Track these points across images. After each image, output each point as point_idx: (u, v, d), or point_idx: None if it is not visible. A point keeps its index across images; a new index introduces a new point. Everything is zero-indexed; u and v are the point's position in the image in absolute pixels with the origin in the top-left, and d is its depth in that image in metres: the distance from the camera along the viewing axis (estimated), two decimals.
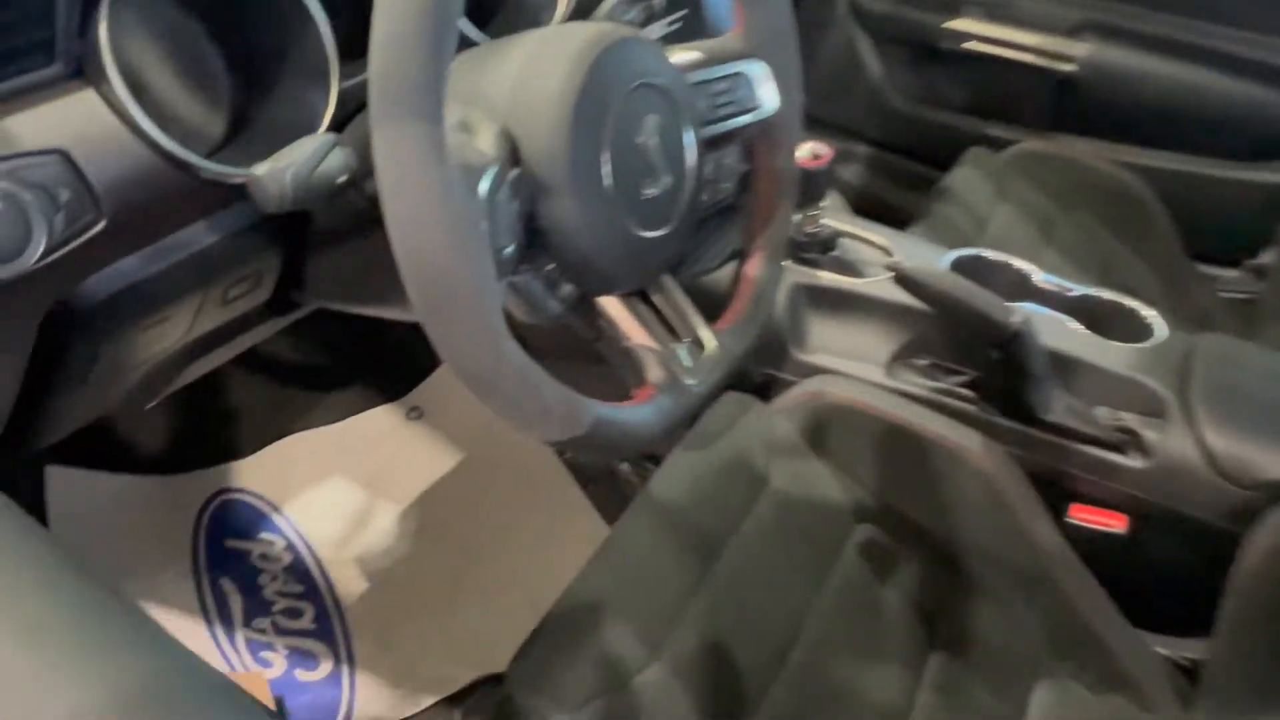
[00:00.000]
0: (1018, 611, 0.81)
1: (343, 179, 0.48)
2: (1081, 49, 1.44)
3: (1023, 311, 0.81)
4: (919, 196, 1.37)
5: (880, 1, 1.57)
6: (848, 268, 0.98)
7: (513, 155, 0.47)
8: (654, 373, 0.57)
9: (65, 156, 0.49)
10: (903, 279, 0.86)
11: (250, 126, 0.60)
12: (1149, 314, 0.92)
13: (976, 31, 1.51)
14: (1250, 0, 1.38)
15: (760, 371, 0.99)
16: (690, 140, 0.56)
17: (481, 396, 0.44)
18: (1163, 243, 1.39)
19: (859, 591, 0.80)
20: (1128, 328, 0.91)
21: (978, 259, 0.99)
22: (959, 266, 0.98)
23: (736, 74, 0.63)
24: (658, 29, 0.72)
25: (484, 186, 0.43)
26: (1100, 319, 0.92)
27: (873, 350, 0.94)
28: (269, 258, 0.67)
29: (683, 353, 0.59)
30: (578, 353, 0.66)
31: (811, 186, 0.94)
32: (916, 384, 0.93)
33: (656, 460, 0.84)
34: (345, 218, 0.64)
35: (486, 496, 1.20)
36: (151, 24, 0.58)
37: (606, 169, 0.50)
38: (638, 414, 0.53)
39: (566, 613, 0.72)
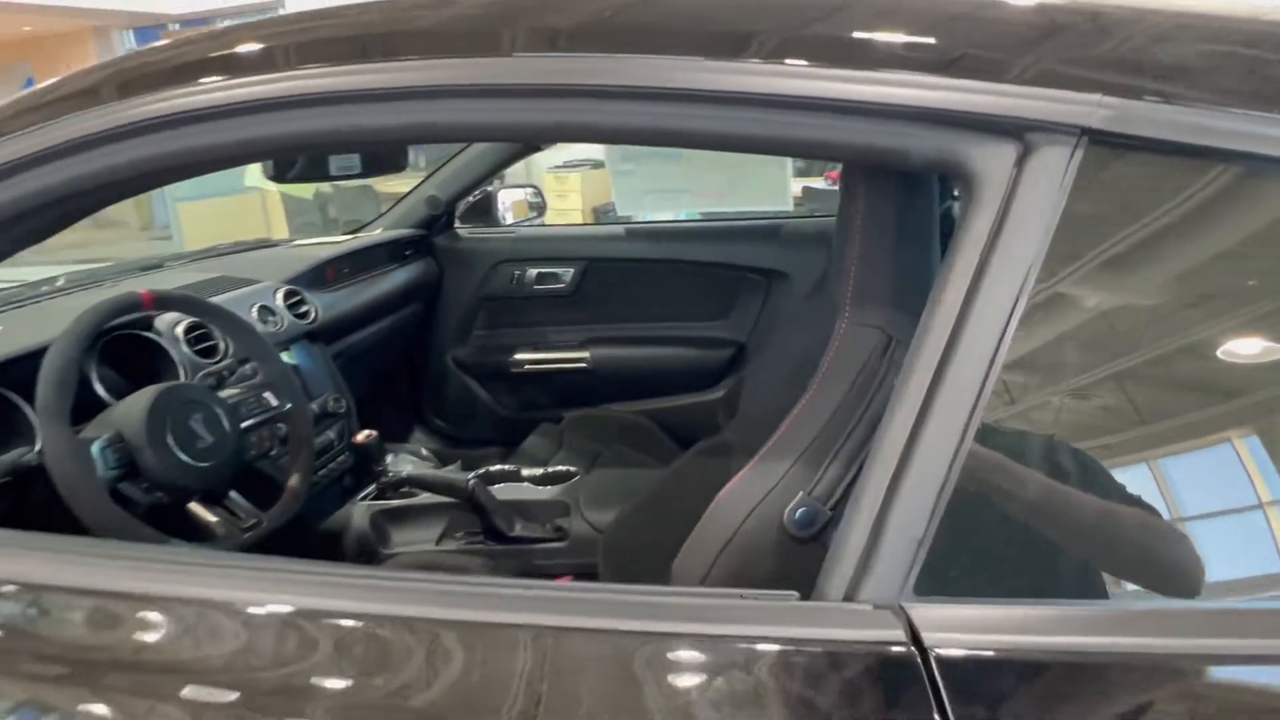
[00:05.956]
0: None
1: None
2: (588, 353, 2.34)
3: (475, 479, 1.49)
4: None
5: (469, 354, 2.42)
6: (412, 496, 1.63)
7: (119, 436, 1.09)
8: (219, 530, 1.15)
9: None
10: (409, 479, 1.52)
11: None
12: (574, 470, 1.63)
13: (530, 358, 2.38)
14: (673, 301, 2.34)
15: None
16: (225, 423, 1.22)
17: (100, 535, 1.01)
18: (668, 451, 2.18)
19: None
20: (564, 479, 1.61)
21: (489, 471, 1.67)
22: (478, 476, 1.65)
23: (258, 394, 1.31)
24: (237, 388, 1.39)
25: (96, 447, 1.05)
26: (551, 479, 1.61)
27: (427, 536, 1.56)
28: None
29: (244, 523, 1.19)
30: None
31: (371, 453, 1.61)
32: (455, 545, 1.54)
33: None
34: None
35: None
36: None
37: (169, 436, 1.13)
38: (209, 550, 1.11)
39: None
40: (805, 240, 2.19)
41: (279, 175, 1.38)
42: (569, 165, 7.53)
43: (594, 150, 6.28)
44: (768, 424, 1.22)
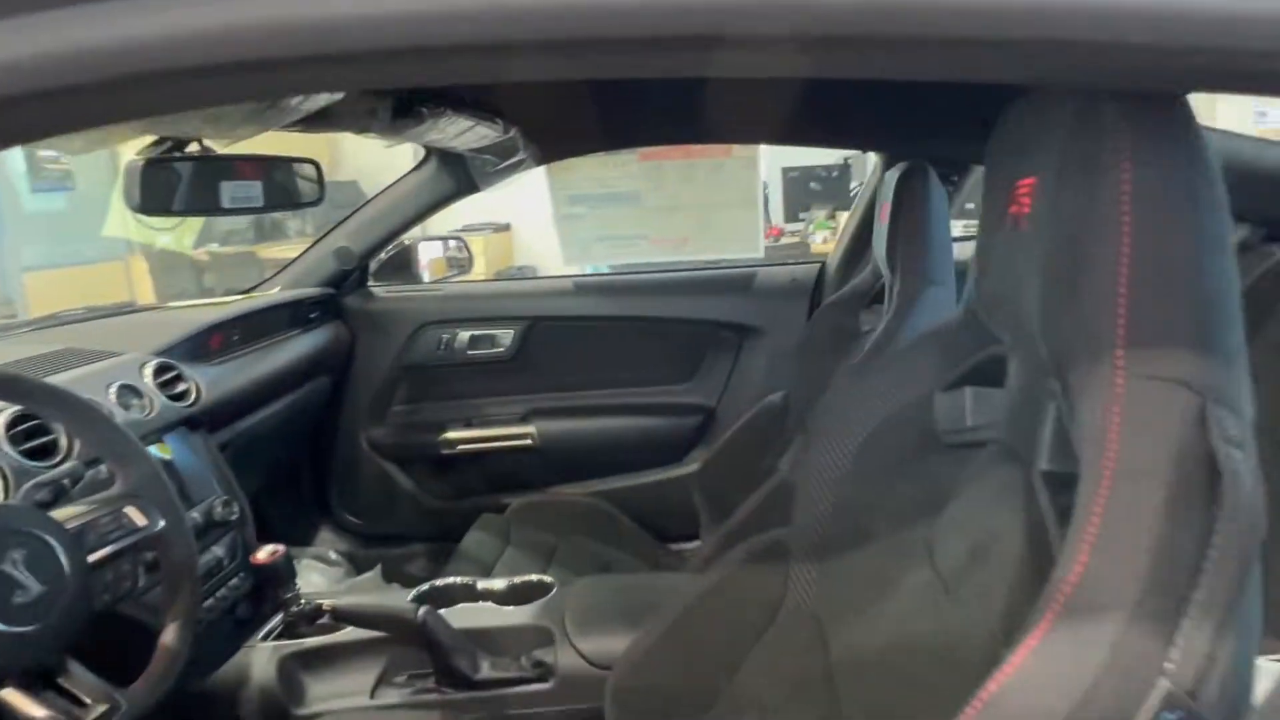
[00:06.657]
0: None
1: None
2: (532, 428, 2.00)
3: (424, 608, 1.12)
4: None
5: (387, 435, 2.03)
6: (333, 630, 1.24)
7: None
8: None
9: None
10: (332, 612, 1.13)
11: None
12: (550, 580, 1.28)
13: (463, 436, 2.02)
14: (631, 363, 2.04)
15: None
16: (64, 559, 0.82)
17: None
18: (635, 540, 1.85)
19: None
20: (538, 593, 1.25)
21: (435, 587, 1.30)
22: (423, 598, 1.28)
23: (115, 511, 0.92)
24: (83, 504, 0.98)
25: None
26: (521, 594, 1.26)
27: (357, 684, 1.17)
28: None
29: (91, 711, 0.79)
30: None
31: (278, 575, 1.21)
32: (398, 695, 1.16)
33: None
34: None
35: None
36: None
37: None
38: None
39: None
40: (780, 291, 1.95)
41: (149, 206, 1.01)
42: (469, 229, 7.28)
43: (495, 213, 6.00)
44: (848, 521, 0.93)
